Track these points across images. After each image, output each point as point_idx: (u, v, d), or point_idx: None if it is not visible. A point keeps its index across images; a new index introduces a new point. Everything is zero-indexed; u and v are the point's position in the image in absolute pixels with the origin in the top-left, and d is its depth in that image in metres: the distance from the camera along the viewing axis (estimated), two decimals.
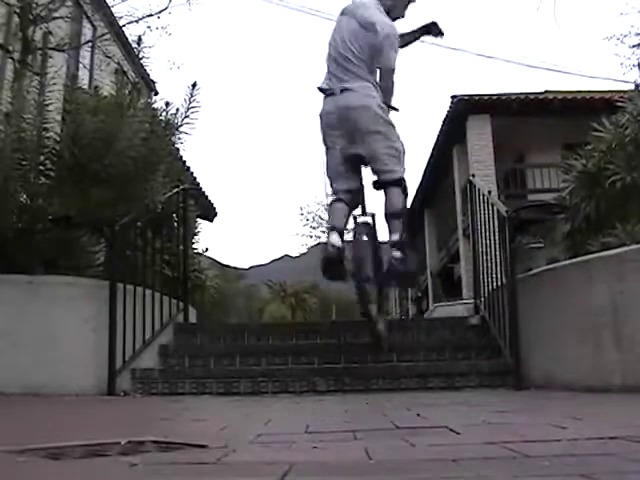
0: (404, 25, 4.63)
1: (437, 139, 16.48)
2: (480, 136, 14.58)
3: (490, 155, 14.31)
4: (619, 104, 5.61)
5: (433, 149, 17.12)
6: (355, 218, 4.30)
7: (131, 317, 4.32)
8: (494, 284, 4.79)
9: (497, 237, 5.36)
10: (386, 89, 4.35)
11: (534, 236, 12.73)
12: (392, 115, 4.37)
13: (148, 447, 1.50)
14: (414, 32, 4.70)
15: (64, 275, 4.43)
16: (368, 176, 4.32)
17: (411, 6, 4.65)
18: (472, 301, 5.76)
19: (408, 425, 1.89)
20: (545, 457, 1.21)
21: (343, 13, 4.49)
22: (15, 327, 4.07)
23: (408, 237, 4.30)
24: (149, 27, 10.27)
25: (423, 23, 4.69)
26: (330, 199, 4.39)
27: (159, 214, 5.34)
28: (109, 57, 10.89)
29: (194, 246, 6.75)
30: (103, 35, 11.19)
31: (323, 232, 36.07)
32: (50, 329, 4.12)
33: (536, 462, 1.16)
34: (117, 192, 4.69)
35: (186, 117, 5.09)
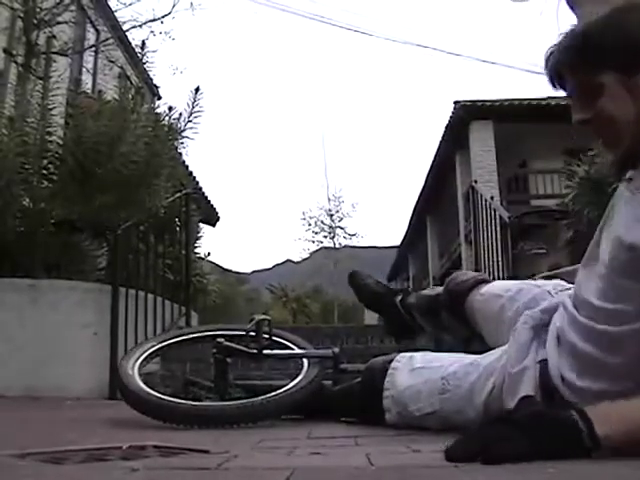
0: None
1: (439, 145, 16.50)
2: (483, 142, 14.59)
3: (493, 161, 14.32)
4: None
5: (435, 155, 17.14)
6: None
7: (133, 321, 4.33)
8: None
9: (499, 243, 5.37)
10: None
11: (536, 242, 12.73)
12: None
13: (149, 452, 1.49)
14: None
15: (66, 279, 4.44)
16: None
17: None
18: None
19: (410, 431, 1.89)
20: (551, 460, 1.21)
21: None
22: (17, 330, 4.08)
23: None
24: (152, 32, 10.33)
25: None
26: None
27: (161, 218, 5.35)
28: (112, 61, 10.94)
29: (196, 251, 6.76)
30: (106, 40, 11.25)
31: (325, 237, 36.13)
32: (52, 332, 4.13)
33: (541, 468, 1.15)
34: (119, 196, 4.70)
35: (189, 122, 5.11)
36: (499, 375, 1.75)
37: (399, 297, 2.64)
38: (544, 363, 1.66)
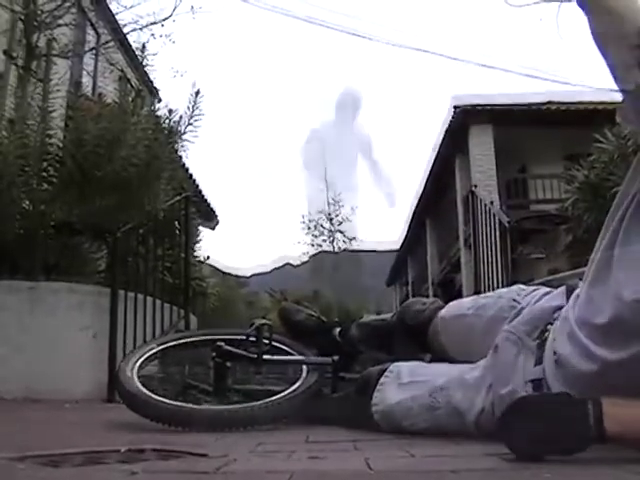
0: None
1: (439, 149, 16.50)
2: (482, 146, 14.60)
3: (492, 165, 14.32)
4: None
5: (435, 159, 17.14)
6: None
7: (132, 324, 4.32)
8: None
9: (499, 247, 5.37)
10: None
11: (536, 246, 12.72)
12: None
13: (148, 455, 1.49)
14: None
15: (66, 281, 4.43)
16: None
17: None
18: None
19: (408, 436, 1.89)
20: (548, 466, 1.21)
21: None
22: (16, 332, 4.07)
23: None
24: (153, 35, 10.30)
25: None
26: None
27: (161, 221, 5.35)
28: (113, 64, 10.93)
29: (195, 254, 6.76)
30: (107, 42, 11.24)
31: (324, 241, 36.07)
32: (51, 335, 4.13)
33: (538, 473, 1.15)
34: (119, 199, 4.70)
35: (189, 124, 5.10)
36: (487, 396, 1.76)
37: (337, 330, 2.66)
38: (537, 383, 1.64)
